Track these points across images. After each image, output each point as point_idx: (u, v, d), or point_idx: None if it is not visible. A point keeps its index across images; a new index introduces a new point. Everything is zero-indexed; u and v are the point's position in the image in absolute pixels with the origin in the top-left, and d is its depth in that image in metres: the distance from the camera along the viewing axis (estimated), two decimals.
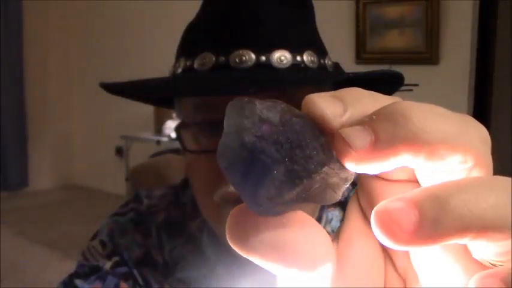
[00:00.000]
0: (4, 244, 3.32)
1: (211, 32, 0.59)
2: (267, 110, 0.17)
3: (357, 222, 0.23)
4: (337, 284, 0.21)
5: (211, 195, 0.57)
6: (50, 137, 4.97)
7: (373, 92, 0.19)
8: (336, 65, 0.64)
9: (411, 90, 2.38)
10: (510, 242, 0.17)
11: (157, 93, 0.70)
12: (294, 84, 0.57)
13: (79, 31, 4.87)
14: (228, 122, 0.18)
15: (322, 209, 0.68)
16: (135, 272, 0.66)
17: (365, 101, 0.18)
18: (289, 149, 0.17)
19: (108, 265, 0.65)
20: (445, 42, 2.86)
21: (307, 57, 0.57)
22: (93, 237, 0.70)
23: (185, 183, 0.72)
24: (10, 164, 4.64)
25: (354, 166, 0.17)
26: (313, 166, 0.17)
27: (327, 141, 0.18)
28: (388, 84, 0.66)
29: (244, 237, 0.19)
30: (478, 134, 0.18)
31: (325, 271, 0.21)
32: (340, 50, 3.01)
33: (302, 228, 0.20)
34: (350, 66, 3.07)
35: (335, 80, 0.63)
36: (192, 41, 0.60)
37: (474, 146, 0.18)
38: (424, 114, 0.17)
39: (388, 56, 3.00)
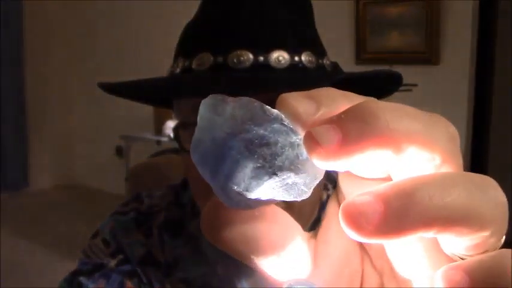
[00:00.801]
0: (4, 244, 3.32)
1: (209, 32, 0.59)
2: (239, 108, 0.18)
3: (335, 220, 0.23)
4: (314, 279, 0.22)
5: (209, 196, 0.57)
6: (50, 137, 4.97)
7: (347, 92, 0.20)
8: (335, 65, 0.64)
9: (410, 90, 2.38)
10: (476, 236, 0.17)
11: (155, 94, 0.71)
12: (292, 85, 0.57)
13: (79, 31, 4.87)
14: (201, 118, 0.18)
15: (322, 208, 0.68)
16: (139, 270, 0.66)
17: (338, 101, 0.19)
18: (258, 146, 0.17)
19: (112, 263, 0.66)
20: (445, 42, 2.86)
21: (305, 58, 0.57)
22: (94, 236, 0.70)
23: (185, 183, 0.72)
24: (10, 164, 4.64)
25: (322, 163, 0.18)
26: (281, 163, 0.18)
27: (298, 140, 0.18)
28: (386, 84, 0.66)
29: (218, 229, 0.20)
30: (446, 132, 0.19)
31: (299, 265, 0.22)
32: (340, 50, 3.00)
33: (274, 222, 0.21)
34: (350, 66, 3.08)
35: (333, 80, 0.63)
36: (190, 41, 0.60)
37: (441, 143, 0.18)
38: (392, 113, 0.17)
39: (388, 56, 3.00)
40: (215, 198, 0.19)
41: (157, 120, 3.87)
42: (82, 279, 0.64)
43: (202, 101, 0.19)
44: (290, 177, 0.18)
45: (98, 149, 4.85)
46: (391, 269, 0.22)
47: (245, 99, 0.18)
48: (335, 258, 0.23)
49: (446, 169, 0.19)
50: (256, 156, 0.18)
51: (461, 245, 0.18)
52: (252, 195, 0.18)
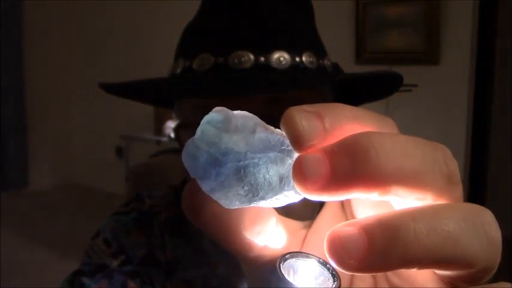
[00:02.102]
0: (4, 244, 3.32)
1: (210, 32, 0.59)
2: (241, 130, 0.18)
3: (331, 211, 0.23)
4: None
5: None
6: (50, 137, 4.97)
7: (359, 110, 0.19)
8: (335, 66, 0.64)
9: (410, 90, 2.38)
10: (463, 272, 0.17)
11: (156, 94, 0.70)
12: (293, 86, 0.57)
13: (79, 31, 4.86)
14: (204, 128, 0.18)
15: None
16: (141, 270, 0.66)
17: (347, 123, 0.18)
18: (247, 176, 0.18)
19: (114, 264, 0.66)
20: (445, 42, 2.86)
21: (306, 58, 0.57)
22: (95, 236, 0.70)
23: (185, 183, 0.72)
24: (10, 164, 4.64)
25: (305, 194, 0.17)
26: (265, 195, 0.18)
27: (291, 162, 0.18)
28: (387, 85, 0.66)
29: (196, 209, 0.20)
30: (443, 172, 0.18)
31: (273, 247, 0.22)
32: (340, 50, 3.00)
33: (249, 208, 0.21)
34: (350, 66, 3.08)
35: (334, 81, 0.63)
36: (191, 42, 0.60)
37: (435, 185, 0.17)
38: (385, 153, 0.17)
39: (388, 56, 2.99)
40: (195, 180, 0.19)
41: (157, 120, 3.87)
42: (84, 279, 0.64)
43: (213, 110, 0.19)
44: (271, 201, 0.19)
45: (98, 149, 4.85)
46: (385, 273, 0.22)
47: (250, 120, 0.18)
48: (323, 249, 0.23)
49: (440, 203, 0.18)
50: (242, 184, 0.18)
51: (448, 275, 0.18)
52: (233, 206, 0.19)
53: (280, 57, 0.56)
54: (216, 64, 0.56)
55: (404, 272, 0.21)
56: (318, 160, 0.17)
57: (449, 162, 0.18)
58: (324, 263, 0.21)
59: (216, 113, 0.19)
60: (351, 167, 0.16)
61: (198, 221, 0.21)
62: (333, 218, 0.23)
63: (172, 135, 3.46)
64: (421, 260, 0.16)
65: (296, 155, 0.18)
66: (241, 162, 0.18)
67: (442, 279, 0.19)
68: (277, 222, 0.23)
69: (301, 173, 0.17)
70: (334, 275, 0.20)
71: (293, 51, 0.57)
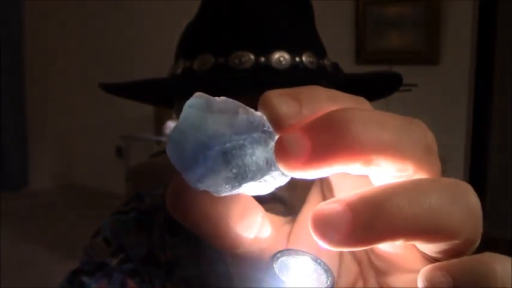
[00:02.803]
0: (4, 244, 3.32)
1: (210, 33, 0.59)
2: (224, 113, 0.18)
3: (315, 205, 0.24)
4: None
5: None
6: (50, 137, 4.97)
7: (334, 91, 0.19)
8: (335, 66, 0.64)
9: (410, 90, 2.38)
10: (447, 243, 0.17)
11: (156, 94, 0.71)
12: (293, 86, 0.57)
13: (79, 31, 4.86)
14: (187, 114, 0.19)
15: None
16: (141, 269, 0.66)
17: (322, 102, 0.18)
18: (234, 157, 0.18)
19: (114, 262, 0.66)
20: (445, 42, 2.86)
21: (306, 58, 0.58)
22: (95, 235, 0.70)
23: None
24: (10, 164, 4.64)
25: (290, 172, 0.18)
26: (253, 175, 0.18)
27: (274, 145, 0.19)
28: (387, 85, 0.66)
29: (181, 207, 0.20)
30: (421, 141, 0.18)
31: (260, 243, 0.22)
32: (340, 50, 3.00)
33: (234, 201, 0.21)
34: (350, 66, 3.08)
35: (334, 80, 0.63)
36: (191, 42, 0.61)
37: (414, 153, 0.18)
38: (363, 124, 0.17)
39: (388, 56, 3.00)
40: (180, 176, 0.19)
41: (157, 120, 3.87)
42: (84, 278, 0.64)
43: (193, 96, 0.19)
44: (260, 183, 0.19)
45: (98, 149, 4.85)
46: (370, 259, 0.23)
47: (231, 103, 0.19)
48: (311, 242, 0.23)
49: (420, 177, 0.19)
50: (230, 166, 0.18)
51: (433, 249, 0.18)
52: (218, 192, 0.19)
53: (281, 57, 0.56)
54: (216, 64, 0.56)
55: (388, 255, 0.21)
56: (298, 137, 0.17)
57: (426, 135, 0.19)
58: (317, 260, 0.21)
59: (198, 97, 0.19)
60: (331, 140, 0.17)
61: (186, 220, 0.21)
62: None
63: None
64: (404, 232, 0.17)
65: (277, 136, 0.18)
66: (228, 145, 0.18)
67: (427, 257, 0.19)
68: (263, 217, 0.23)
69: (283, 152, 0.17)
70: (328, 271, 0.20)
71: (293, 51, 0.57)
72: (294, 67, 0.56)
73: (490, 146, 3.40)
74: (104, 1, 4.56)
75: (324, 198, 0.24)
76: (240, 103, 0.19)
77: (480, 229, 0.18)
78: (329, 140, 0.17)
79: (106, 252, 0.67)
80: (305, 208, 0.25)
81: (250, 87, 0.55)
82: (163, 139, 3.68)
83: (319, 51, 0.61)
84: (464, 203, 0.18)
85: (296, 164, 0.17)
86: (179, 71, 0.60)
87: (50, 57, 4.86)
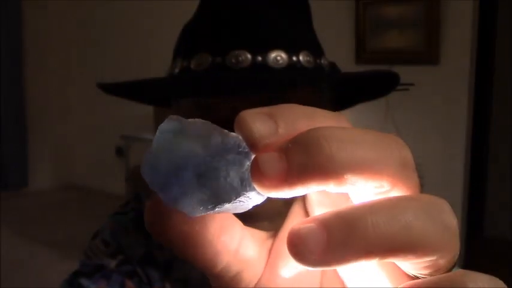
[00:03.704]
0: (4, 244, 3.32)
1: (208, 32, 0.59)
2: (197, 136, 0.18)
3: (296, 220, 0.24)
4: (268, 278, 0.23)
5: None
6: (50, 137, 4.97)
7: (313, 109, 0.19)
8: (332, 65, 0.64)
9: (407, 89, 2.38)
10: (422, 260, 0.17)
11: (154, 94, 0.71)
12: (290, 85, 0.57)
13: (79, 31, 4.87)
14: (161, 138, 0.19)
15: None
16: (139, 270, 0.66)
17: (299, 121, 0.18)
18: (208, 179, 0.18)
19: (112, 264, 0.66)
20: (445, 42, 2.86)
21: (303, 57, 0.58)
22: (95, 236, 0.70)
23: None
24: (10, 164, 4.64)
25: (266, 192, 0.18)
26: (228, 197, 0.18)
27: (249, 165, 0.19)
28: (383, 83, 0.66)
29: (158, 226, 0.20)
30: (396, 157, 0.18)
31: (240, 262, 0.22)
32: (340, 50, 3.00)
33: (211, 219, 0.21)
34: (350, 66, 3.08)
35: (331, 80, 0.63)
36: (188, 42, 0.61)
37: (390, 170, 0.18)
38: (338, 143, 0.17)
39: (388, 56, 2.99)
40: (157, 195, 0.19)
41: (157, 120, 3.87)
42: (83, 280, 0.64)
43: (167, 119, 0.19)
44: (235, 203, 0.19)
45: (98, 149, 4.85)
46: (352, 273, 0.22)
47: (204, 126, 0.19)
48: (290, 255, 0.23)
49: (397, 193, 0.19)
50: (204, 189, 0.18)
51: (410, 266, 0.18)
52: (193, 214, 0.19)
53: (277, 56, 0.56)
54: (213, 63, 0.56)
55: (369, 268, 0.21)
56: (273, 157, 0.17)
57: (401, 149, 0.19)
58: None
59: (171, 121, 0.19)
60: (305, 160, 0.17)
61: (164, 239, 0.21)
62: None
63: None
64: (379, 251, 0.17)
65: (253, 156, 0.18)
66: (201, 167, 0.18)
67: (407, 273, 0.19)
68: (243, 232, 0.23)
69: (258, 172, 0.17)
70: None
71: (290, 50, 0.57)
72: (291, 66, 0.56)
73: (490, 146, 3.40)
74: (104, 1, 4.56)
75: (306, 213, 0.24)
76: (215, 125, 0.19)
77: (457, 245, 0.19)
78: (303, 160, 0.17)
79: (105, 253, 0.67)
80: (286, 223, 0.25)
81: (247, 87, 0.55)
82: None
83: (316, 50, 0.61)
84: (440, 221, 0.18)
85: (271, 185, 0.17)
86: (177, 70, 0.60)
87: (50, 58, 4.86)
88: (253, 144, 0.18)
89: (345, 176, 0.17)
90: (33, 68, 4.76)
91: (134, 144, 4.09)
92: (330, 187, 0.17)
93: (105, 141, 4.69)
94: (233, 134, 0.19)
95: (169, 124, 0.19)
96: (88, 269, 0.65)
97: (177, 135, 0.18)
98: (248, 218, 0.24)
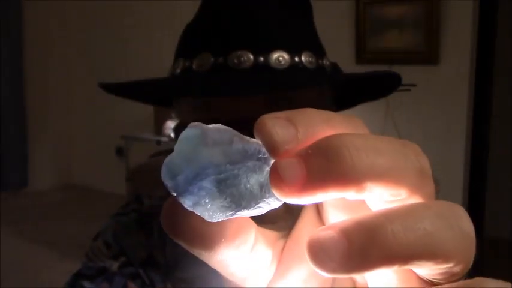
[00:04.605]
0: (4, 244, 3.32)
1: (209, 32, 0.59)
2: (218, 144, 0.18)
3: (308, 220, 0.24)
4: (280, 278, 0.23)
5: None
6: (50, 137, 4.97)
7: (331, 114, 0.19)
8: (334, 65, 0.64)
9: (409, 90, 2.38)
10: (440, 267, 0.18)
11: (156, 94, 0.71)
12: (292, 86, 0.57)
13: (79, 31, 4.86)
14: (183, 143, 0.19)
15: None
16: (142, 272, 0.66)
17: (318, 127, 0.18)
18: (228, 187, 0.18)
19: (115, 266, 0.66)
20: (445, 42, 2.86)
21: (305, 58, 0.58)
22: (96, 238, 0.70)
23: None
24: (10, 164, 4.64)
25: (284, 199, 0.18)
26: (247, 204, 0.19)
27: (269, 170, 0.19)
28: (385, 84, 0.66)
29: (176, 226, 0.20)
30: (415, 166, 0.18)
31: (255, 262, 0.23)
32: (340, 50, 3.00)
33: (231, 222, 0.21)
34: (350, 66, 3.07)
35: (333, 80, 0.63)
36: (190, 42, 0.61)
37: (408, 180, 0.18)
38: (357, 151, 0.17)
39: (388, 56, 3.00)
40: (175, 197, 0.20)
41: (157, 120, 3.87)
42: (85, 283, 0.64)
43: (188, 127, 0.19)
44: (254, 209, 0.19)
45: (98, 149, 4.85)
46: (364, 277, 0.23)
47: (225, 133, 0.19)
48: (302, 256, 0.23)
49: (414, 201, 0.19)
50: (224, 196, 0.18)
51: (427, 272, 0.19)
52: (214, 221, 0.19)
53: (280, 57, 0.56)
54: (215, 64, 0.56)
55: (385, 272, 0.21)
56: (293, 163, 0.17)
57: (420, 158, 0.19)
58: None
59: (192, 129, 0.19)
60: (326, 167, 0.17)
61: (180, 238, 0.21)
62: (311, 227, 0.24)
63: (173, 135, 3.44)
64: (399, 259, 0.17)
65: (272, 161, 0.18)
66: (222, 175, 0.18)
67: (422, 277, 0.20)
68: (257, 233, 0.23)
69: (278, 178, 0.17)
70: None
71: (292, 51, 0.57)
72: (293, 67, 0.56)
73: (490, 146, 3.40)
74: (104, 1, 4.56)
75: (318, 213, 0.24)
76: (236, 131, 0.19)
77: (473, 251, 0.19)
78: (323, 167, 0.17)
79: (106, 255, 0.67)
80: (299, 223, 0.25)
81: (249, 88, 0.55)
82: (163, 139, 3.68)
83: (318, 51, 0.61)
84: (458, 228, 0.18)
85: (290, 191, 0.17)
86: (178, 70, 0.60)
87: (50, 57, 4.86)
88: (273, 150, 0.18)
89: (365, 184, 0.17)
90: (33, 68, 4.76)
91: (134, 144, 4.08)
92: (349, 194, 0.17)
93: (105, 141, 4.69)
94: (253, 140, 0.19)
95: (189, 132, 0.19)
96: (90, 272, 0.65)
97: (198, 143, 0.18)
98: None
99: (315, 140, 0.18)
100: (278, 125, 0.18)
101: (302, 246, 0.23)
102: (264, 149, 0.19)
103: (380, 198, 0.18)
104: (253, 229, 0.23)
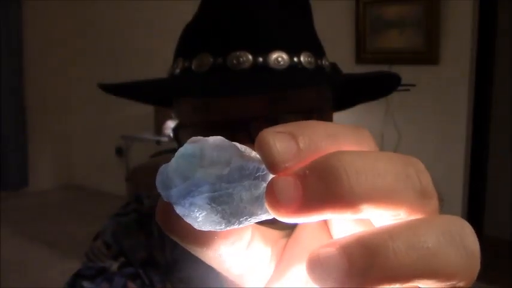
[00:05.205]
0: (4, 244, 3.32)
1: (208, 33, 0.59)
2: (216, 161, 0.18)
3: (310, 223, 0.24)
4: (279, 277, 0.23)
5: None
6: (50, 137, 4.97)
7: (336, 127, 0.19)
8: (333, 66, 0.64)
9: (408, 90, 2.38)
10: (442, 285, 0.17)
11: (155, 94, 0.71)
12: (291, 86, 0.57)
13: (79, 31, 4.87)
14: (174, 163, 0.19)
15: None
16: (141, 272, 0.66)
17: (322, 142, 0.18)
18: (221, 204, 0.18)
19: (114, 266, 0.66)
20: (445, 42, 2.86)
21: (304, 58, 0.57)
22: (96, 238, 0.70)
23: None
24: (10, 164, 4.64)
25: (279, 218, 0.18)
26: (238, 220, 0.18)
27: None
28: (385, 85, 0.66)
29: (171, 222, 0.20)
30: (416, 188, 0.18)
31: (252, 259, 0.23)
32: (340, 50, 3.00)
33: None
34: (350, 66, 3.07)
35: (332, 81, 0.63)
36: (189, 42, 0.61)
37: (407, 201, 0.18)
38: (356, 172, 0.17)
39: (388, 56, 2.99)
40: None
41: (157, 120, 3.88)
42: (85, 283, 0.64)
43: (187, 142, 0.19)
44: (245, 222, 0.19)
45: (98, 149, 4.85)
46: None
47: (225, 151, 0.18)
48: (303, 256, 0.23)
49: (414, 217, 0.18)
50: (215, 212, 0.18)
51: (427, 286, 0.18)
52: (205, 230, 0.19)
53: (279, 57, 0.56)
54: (214, 64, 0.56)
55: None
56: (290, 184, 0.17)
57: (421, 177, 0.18)
58: None
59: (191, 146, 0.19)
60: (322, 190, 0.17)
61: (175, 234, 0.21)
62: (314, 227, 0.24)
63: (172, 135, 3.42)
64: (401, 278, 0.17)
65: (270, 177, 0.18)
66: (215, 193, 0.18)
67: None
68: (253, 232, 0.23)
69: (273, 198, 0.17)
70: None
71: (291, 51, 0.57)
72: (292, 67, 0.56)
73: (489, 146, 3.40)
74: (104, 1, 4.56)
75: None
76: (237, 147, 0.19)
77: (478, 267, 0.18)
78: (321, 189, 0.17)
79: (106, 255, 0.67)
80: (300, 224, 0.24)
81: (247, 88, 0.55)
82: (163, 139, 3.68)
83: (317, 51, 0.61)
84: (462, 244, 0.18)
85: (286, 211, 0.17)
86: (178, 70, 0.60)
87: (50, 58, 4.86)
88: (272, 167, 0.18)
89: (362, 207, 0.17)
90: (33, 67, 4.76)
91: (134, 144, 4.09)
92: (346, 216, 0.17)
93: (105, 141, 4.69)
94: (254, 155, 0.19)
95: (188, 149, 0.18)
96: (90, 272, 0.65)
97: (195, 163, 0.18)
98: None
99: (316, 158, 0.18)
100: (279, 140, 0.17)
101: (303, 246, 0.23)
102: (263, 166, 0.18)
103: (379, 217, 0.18)
104: (248, 228, 0.23)
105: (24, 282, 2.94)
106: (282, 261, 0.24)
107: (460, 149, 2.86)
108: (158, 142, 3.72)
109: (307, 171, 0.17)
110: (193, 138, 0.19)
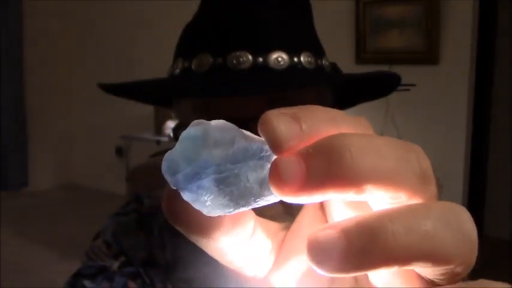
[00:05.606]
0: (4, 244, 3.32)
1: (208, 33, 0.59)
2: (220, 143, 0.18)
3: (310, 213, 0.24)
4: (278, 269, 0.23)
5: None
6: (50, 137, 4.97)
7: (336, 112, 0.19)
8: (333, 66, 0.64)
9: (408, 90, 2.38)
10: (440, 268, 0.18)
11: (155, 94, 0.71)
12: (291, 86, 0.57)
13: (79, 31, 4.87)
14: (179, 146, 0.19)
15: None
16: (142, 271, 0.66)
17: (323, 125, 0.18)
18: (228, 186, 0.18)
19: (115, 265, 0.66)
20: (445, 42, 2.86)
21: (304, 58, 0.58)
22: (96, 237, 0.70)
23: None
24: (10, 164, 4.64)
25: (282, 197, 0.18)
26: (246, 202, 0.19)
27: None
28: (385, 85, 0.66)
29: (176, 212, 0.21)
30: (416, 171, 0.18)
31: (253, 250, 0.23)
32: (340, 50, 3.00)
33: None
34: (350, 66, 3.07)
35: (332, 81, 0.63)
36: (189, 42, 0.61)
37: (408, 184, 0.18)
38: (359, 152, 0.17)
39: (388, 56, 3.00)
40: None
41: (157, 120, 3.88)
42: (86, 282, 0.64)
43: (191, 125, 0.19)
44: (252, 205, 0.19)
45: (98, 149, 4.85)
46: (366, 275, 0.23)
47: (228, 132, 0.19)
48: (302, 248, 0.23)
49: (414, 202, 0.19)
50: (223, 194, 0.18)
51: (428, 272, 0.19)
52: (213, 215, 0.19)
53: (279, 57, 0.56)
54: (214, 64, 0.56)
55: (386, 271, 0.21)
56: (293, 163, 0.17)
57: (422, 162, 0.19)
58: None
59: (194, 128, 0.19)
60: (326, 168, 0.17)
61: (180, 224, 0.21)
62: (312, 219, 0.24)
63: (172, 135, 3.43)
64: (399, 259, 0.17)
65: (274, 157, 0.18)
66: (222, 174, 0.18)
67: (423, 277, 0.20)
68: (256, 223, 0.23)
69: (277, 177, 0.17)
70: None
71: (291, 51, 0.57)
72: (292, 67, 0.56)
73: (489, 146, 3.40)
74: (104, 1, 4.56)
75: (321, 205, 0.24)
76: (239, 129, 0.19)
77: (475, 253, 0.18)
78: (324, 168, 0.17)
79: (107, 255, 0.67)
80: (300, 214, 0.25)
81: (247, 88, 0.55)
82: (163, 139, 3.68)
83: (317, 51, 0.61)
84: (459, 229, 0.18)
85: (289, 190, 0.17)
86: (178, 71, 0.60)
87: (50, 58, 4.86)
88: (276, 147, 0.18)
89: (364, 187, 0.17)
90: (33, 68, 4.76)
91: (134, 144, 4.09)
92: (348, 196, 0.17)
93: (105, 141, 4.69)
94: (256, 137, 0.19)
95: (191, 131, 0.19)
96: (90, 271, 0.65)
97: (199, 144, 0.18)
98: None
99: (318, 139, 0.18)
100: (282, 121, 0.18)
101: (302, 238, 0.23)
102: (267, 147, 0.18)
103: (380, 200, 0.18)
104: (252, 217, 0.23)
105: (24, 282, 2.94)
106: (281, 253, 0.24)
107: (460, 149, 2.86)
108: (158, 142, 3.72)
109: (311, 150, 0.17)
110: (196, 121, 0.19)
